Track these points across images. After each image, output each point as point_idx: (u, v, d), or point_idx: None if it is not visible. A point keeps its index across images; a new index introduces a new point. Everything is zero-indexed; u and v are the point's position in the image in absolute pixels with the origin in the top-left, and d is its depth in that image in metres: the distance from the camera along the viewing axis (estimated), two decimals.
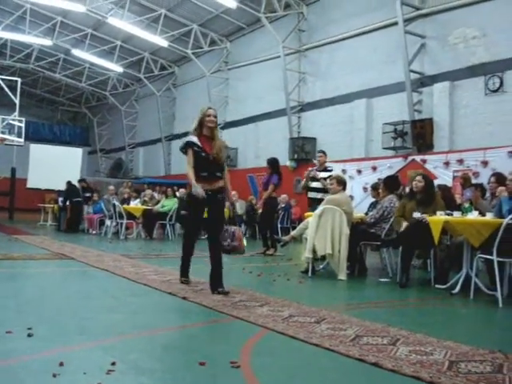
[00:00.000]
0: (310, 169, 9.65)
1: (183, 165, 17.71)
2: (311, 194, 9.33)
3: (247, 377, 2.96)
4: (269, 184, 9.99)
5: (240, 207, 14.94)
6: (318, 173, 9.30)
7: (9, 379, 2.83)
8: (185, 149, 5.65)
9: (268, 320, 4.21)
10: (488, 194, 7.82)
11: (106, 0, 19.77)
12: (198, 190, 5.40)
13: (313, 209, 8.58)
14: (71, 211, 14.99)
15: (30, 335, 3.59)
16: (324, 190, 8.90)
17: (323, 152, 9.82)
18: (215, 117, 5.68)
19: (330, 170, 9.43)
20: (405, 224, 6.53)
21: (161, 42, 21.42)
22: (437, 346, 3.56)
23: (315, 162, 9.93)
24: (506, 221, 5.33)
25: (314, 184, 9.25)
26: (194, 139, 5.58)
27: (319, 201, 8.44)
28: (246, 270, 7.63)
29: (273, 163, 10.12)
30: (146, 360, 3.24)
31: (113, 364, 3.01)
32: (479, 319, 5.11)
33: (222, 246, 5.60)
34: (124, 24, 20.28)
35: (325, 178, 9.01)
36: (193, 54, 21.71)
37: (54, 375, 2.81)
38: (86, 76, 27.48)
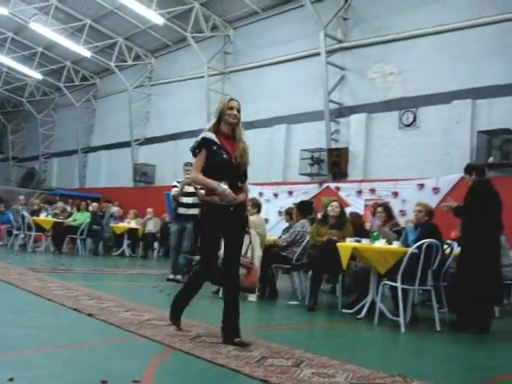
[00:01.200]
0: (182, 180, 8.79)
1: (99, 178, 17.32)
2: (181, 210, 8.68)
3: None
4: None
5: (154, 225, 14.76)
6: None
7: None
8: (198, 148, 4.35)
9: (175, 340, 4.17)
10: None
11: (30, 5, 19.20)
12: (227, 190, 4.17)
13: (180, 224, 8.52)
14: None
15: None
16: (196, 206, 8.30)
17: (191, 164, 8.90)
18: (239, 111, 4.41)
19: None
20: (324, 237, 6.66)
21: (84, 52, 20.96)
22: (339, 368, 3.64)
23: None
24: (410, 250, 5.58)
25: (185, 199, 8.62)
26: (212, 136, 4.32)
27: (189, 217, 8.42)
28: (157, 288, 7.53)
29: None
30: (46, 377, 3.13)
31: (10, 380, 2.89)
32: (382, 343, 5.28)
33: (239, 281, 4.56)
34: (47, 31, 19.71)
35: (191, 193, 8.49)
36: (116, 66, 21.38)
37: None
38: (3, 80, 26.44)
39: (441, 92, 12.54)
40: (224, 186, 4.15)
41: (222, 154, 4.26)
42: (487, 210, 5.78)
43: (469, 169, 6.23)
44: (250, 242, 5.15)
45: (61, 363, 3.48)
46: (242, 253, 4.64)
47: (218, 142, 4.29)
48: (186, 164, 8.62)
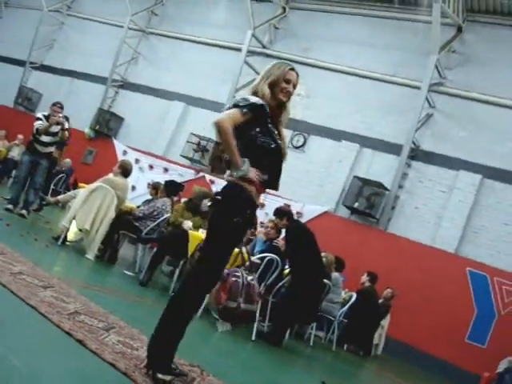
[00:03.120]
0: (59, 114, 8.32)
1: None
2: (38, 147, 8.30)
3: None
4: None
5: (19, 153, 14.02)
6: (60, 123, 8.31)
7: None
8: (248, 108, 3.06)
9: None
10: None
11: None
12: (255, 171, 3.10)
13: (33, 157, 8.29)
14: None
15: None
16: (52, 144, 8.37)
17: (60, 106, 8.47)
18: (295, 87, 3.27)
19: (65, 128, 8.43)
20: (186, 223, 6.70)
21: None
22: (145, 344, 3.71)
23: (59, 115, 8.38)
24: (253, 258, 5.81)
25: (45, 138, 8.29)
26: (267, 108, 3.16)
27: (44, 155, 8.30)
28: None
29: None
30: None
31: None
32: (195, 336, 5.42)
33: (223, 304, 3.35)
34: None
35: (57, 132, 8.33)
36: None
37: None
38: None
39: (335, 128, 13.14)
40: (252, 169, 3.09)
41: (272, 135, 3.17)
42: (301, 251, 6.18)
43: (279, 213, 6.56)
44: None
45: None
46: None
47: (269, 120, 3.20)
48: (55, 104, 8.42)
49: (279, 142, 3.20)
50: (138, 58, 17.64)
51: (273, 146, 3.15)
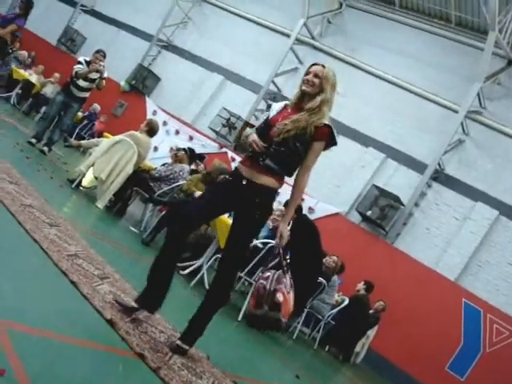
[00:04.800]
0: (100, 62, 8.32)
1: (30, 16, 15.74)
2: (74, 90, 8.34)
3: None
4: (10, 22, 8.37)
5: (52, 91, 14.12)
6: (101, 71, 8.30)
7: None
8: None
9: (7, 196, 4.12)
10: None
11: None
12: (253, 136, 3.30)
13: (66, 99, 8.36)
14: None
15: None
16: (88, 90, 8.45)
17: (104, 55, 8.52)
18: (318, 76, 3.39)
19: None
20: (199, 193, 6.76)
21: None
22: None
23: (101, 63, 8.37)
24: (256, 242, 5.87)
25: (82, 83, 8.32)
26: (277, 105, 3.62)
27: (78, 99, 8.39)
28: (19, 146, 7.32)
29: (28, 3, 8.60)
30: None
31: None
32: (186, 304, 5.50)
33: (250, 311, 3.40)
34: None
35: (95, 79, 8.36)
36: None
37: None
38: None
39: (364, 133, 13.10)
40: (254, 134, 3.33)
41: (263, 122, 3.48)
42: (303, 244, 6.23)
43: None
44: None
45: None
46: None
47: (274, 113, 3.49)
48: (98, 51, 8.50)
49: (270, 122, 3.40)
50: (188, 23, 17.64)
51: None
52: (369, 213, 11.97)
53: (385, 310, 9.70)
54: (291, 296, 3.32)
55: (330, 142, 3.40)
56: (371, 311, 9.50)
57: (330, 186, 12.93)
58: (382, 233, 12.02)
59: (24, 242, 3.50)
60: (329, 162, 13.10)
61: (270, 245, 5.86)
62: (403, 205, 11.76)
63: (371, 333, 9.63)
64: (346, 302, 8.59)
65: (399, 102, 13.10)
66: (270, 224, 6.68)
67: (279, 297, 3.24)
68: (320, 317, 8.29)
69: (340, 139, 11.75)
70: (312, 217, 12.14)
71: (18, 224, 3.72)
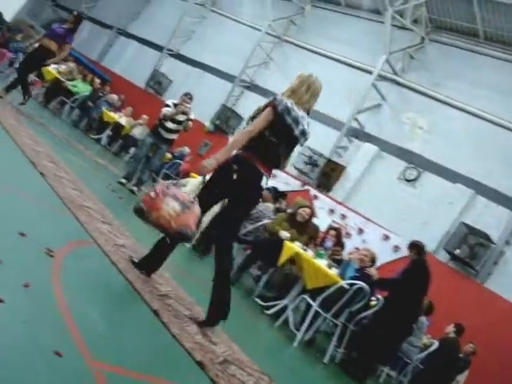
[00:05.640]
0: (186, 105, 8.65)
1: (117, 63, 16.96)
2: (162, 132, 8.67)
3: (54, 267, 3.03)
4: (65, 38, 8.66)
5: (140, 132, 14.67)
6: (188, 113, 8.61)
7: None
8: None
9: (101, 236, 4.27)
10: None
11: None
12: (211, 164, 3.74)
13: (155, 140, 8.67)
14: None
15: None
16: (176, 132, 8.72)
17: (190, 98, 8.85)
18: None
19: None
20: (284, 233, 6.78)
21: None
22: (224, 341, 3.78)
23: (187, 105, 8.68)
24: (343, 283, 5.77)
25: (171, 124, 8.63)
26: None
27: (167, 140, 8.64)
28: (111, 186, 7.62)
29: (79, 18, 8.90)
30: None
31: None
32: (270, 344, 5.46)
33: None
34: None
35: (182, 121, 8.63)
36: None
37: None
38: None
39: (451, 169, 12.71)
40: (213, 163, 3.75)
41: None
42: (412, 288, 6.04)
43: (411, 246, 6.63)
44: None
45: None
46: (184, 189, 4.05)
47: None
48: (186, 94, 8.79)
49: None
50: (269, 62, 17.97)
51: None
52: (457, 251, 11.52)
53: (475, 354, 9.23)
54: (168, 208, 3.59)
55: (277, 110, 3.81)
56: (461, 355, 9.07)
57: (416, 224, 12.56)
58: (471, 272, 11.52)
59: (117, 282, 3.60)
60: (415, 199, 12.82)
61: (356, 286, 5.74)
62: (493, 243, 11.25)
63: (461, 377, 9.17)
64: (436, 344, 8.24)
65: (486, 135, 12.67)
66: (356, 263, 6.56)
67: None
68: (408, 360, 8.00)
69: (427, 175, 11.49)
70: (398, 255, 11.89)
71: (111, 264, 3.84)
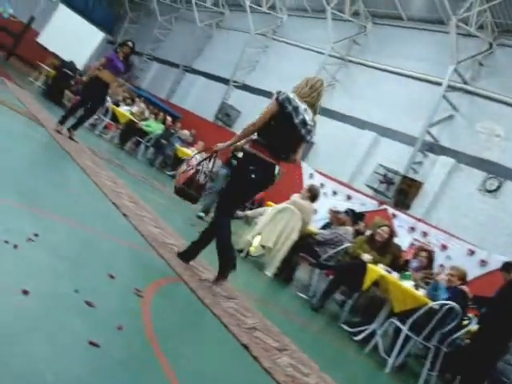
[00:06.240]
0: None
1: (186, 100, 17.46)
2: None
3: (144, 308, 3.08)
4: (117, 68, 8.68)
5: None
6: None
7: None
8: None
9: (186, 272, 4.32)
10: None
11: None
12: (220, 147, 4.68)
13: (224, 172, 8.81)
14: (58, 80, 14.84)
15: None
16: None
17: None
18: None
19: None
20: (367, 256, 6.68)
21: None
22: (315, 372, 3.72)
23: None
24: (432, 304, 5.57)
25: None
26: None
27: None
28: (190, 221, 7.75)
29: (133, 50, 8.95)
30: (65, 248, 3.33)
31: (35, 235, 3.09)
32: (362, 372, 5.33)
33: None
34: None
35: None
36: (250, 7, 21.46)
37: None
38: None
39: None
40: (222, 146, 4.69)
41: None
42: (509, 308, 5.78)
43: (507, 266, 6.60)
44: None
45: (81, 242, 3.70)
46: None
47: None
48: None
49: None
50: (335, 84, 17.92)
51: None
52: None
53: None
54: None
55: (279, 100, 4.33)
56: None
57: (501, 237, 12.05)
58: None
59: (206, 317, 3.63)
60: (498, 211, 12.32)
61: (447, 306, 5.53)
62: None
63: None
64: None
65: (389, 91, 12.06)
66: (444, 283, 6.33)
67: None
68: (506, 380, 7.58)
69: (508, 185, 10.94)
70: (485, 270, 11.42)
71: (198, 299, 3.87)
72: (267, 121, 4.31)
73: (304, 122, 4.32)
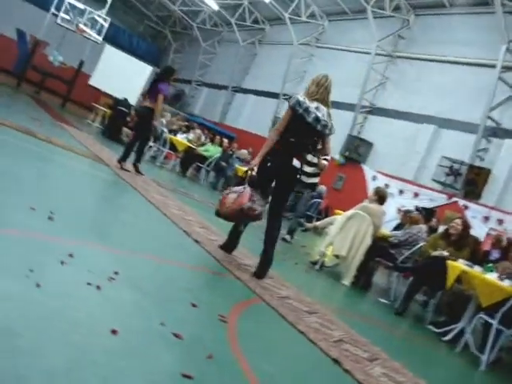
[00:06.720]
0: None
1: (239, 119, 17.77)
2: (303, 177, 8.39)
3: (230, 333, 3.09)
4: (157, 93, 8.71)
5: None
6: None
7: (22, 248, 3.01)
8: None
9: (265, 292, 4.33)
10: None
11: None
12: (255, 162, 4.97)
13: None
14: (115, 119, 15.32)
15: (50, 218, 3.77)
16: (315, 175, 8.61)
17: None
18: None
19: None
20: (437, 252, 6.51)
21: None
22: (409, 379, 3.63)
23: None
24: None
25: (307, 168, 8.37)
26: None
27: (307, 185, 8.54)
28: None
29: (167, 71, 9.00)
30: (145, 282, 3.39)
31: (115, 273, 3.17)
32: (457, 372, 5.16)
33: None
34: None
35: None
36: (289, 19, 21.54)
37: (62, 262, 2.98)
38: (182, 1, 27.57)
39: None
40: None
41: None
42: None
43: None
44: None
45: (162, 276, 3.76)
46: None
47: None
48: None
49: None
50: (386, 82, 17.69)
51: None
52: None
53: None
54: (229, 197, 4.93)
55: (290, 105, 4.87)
56: None
57: None
58: None
59: (291, 335, 3.60)
60: None
61: None
62: None
63: None
64: None
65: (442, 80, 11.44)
66: None
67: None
68: None
69: None
70: None
71: (281, 317, 3.86)
72: (286, 124, 4.84)
73: (317, 119, 4.83)
